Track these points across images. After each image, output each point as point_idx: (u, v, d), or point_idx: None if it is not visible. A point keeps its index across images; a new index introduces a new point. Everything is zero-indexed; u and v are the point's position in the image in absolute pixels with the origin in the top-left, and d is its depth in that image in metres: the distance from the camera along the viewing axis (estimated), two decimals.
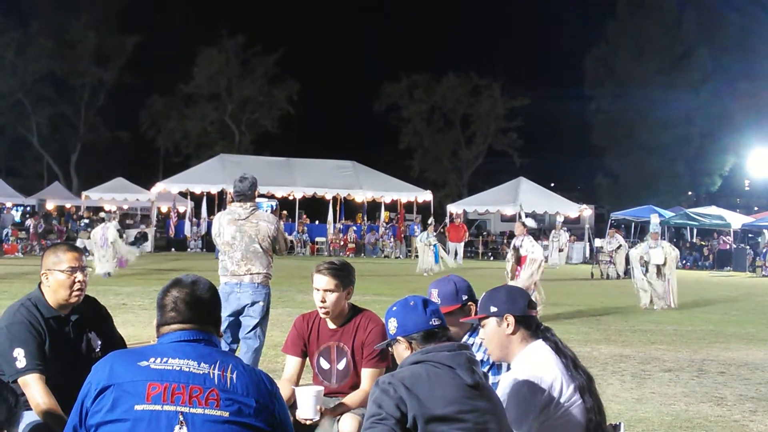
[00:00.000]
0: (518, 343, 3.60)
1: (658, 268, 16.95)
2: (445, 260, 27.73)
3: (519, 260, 14.76)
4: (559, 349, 3.60)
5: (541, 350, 3.57)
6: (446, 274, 4.67)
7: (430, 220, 30.87)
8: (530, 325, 3.64)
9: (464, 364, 3.13)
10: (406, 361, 3.24)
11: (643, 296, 17.19)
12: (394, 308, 3.43)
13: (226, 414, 2.65)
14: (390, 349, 3.49)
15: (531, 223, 15.67)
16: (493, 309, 3.64)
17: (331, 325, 4.78)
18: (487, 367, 4.03)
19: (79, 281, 4.18)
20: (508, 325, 3.60)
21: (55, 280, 4.16)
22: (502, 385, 3.49)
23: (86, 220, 35.52)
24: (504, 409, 3.21)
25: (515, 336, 3.60)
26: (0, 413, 2.41)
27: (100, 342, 4.30)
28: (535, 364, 3.49)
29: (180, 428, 2.61)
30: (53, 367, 4.01)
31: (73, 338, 4.19)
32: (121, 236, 22.46)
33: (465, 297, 4.32)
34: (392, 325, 3.39)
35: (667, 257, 17.06)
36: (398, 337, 3.36)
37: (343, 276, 4.72)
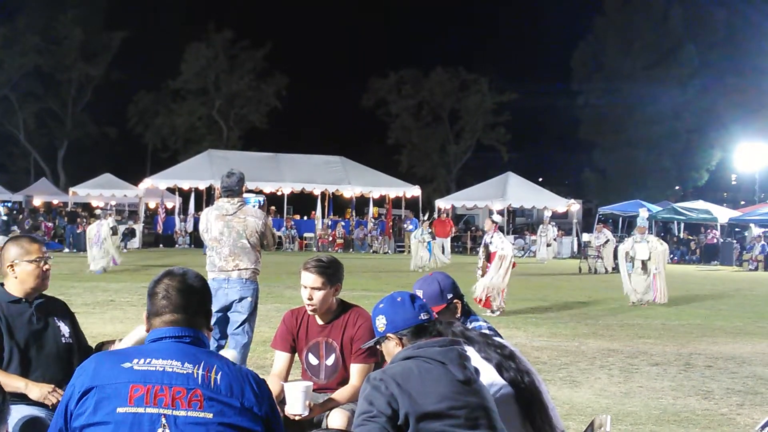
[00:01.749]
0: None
1: (643, 263, 16.84)
2: (437, 257, 27.73)
3: (489, 257, 14.90)
4: (468, 338, 3.57)
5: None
6: (430, 273, 4.64)
7: (427, 215, 30.92)
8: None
9: (455, 360, 3.12)
10: (397, 356, 3.21)
11: (631, 294, 17.11)
12: (381, 305, 3.41)
13: (210, 415, 2.62)
14: (378, 347, 3.46)
15: (497, 218, 15.80)
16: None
17: (320, 321, 4.76)
18: None
19: (46, 269, 4.31)
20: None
21: (23, 271, 4.25)
22: None
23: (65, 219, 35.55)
24: (494, 404, 3.19)
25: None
26: None
27: (68, 330, 4.33)
28: None
29: (162, 430, 2.58)
30: (11, 346, 4.09)
31: (35, 321, 4.23)
32: (115, 233, 22.58)
33: (450, 296, 4.26)
34: (380, 323, 3.37)
35: (653, 252, 16.85)
36: (388, 334, 3.33)
37: (331, 273, 4.69)
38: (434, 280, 4.30)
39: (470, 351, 3.51)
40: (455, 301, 4.25)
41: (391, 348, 3.34)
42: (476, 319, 4.36)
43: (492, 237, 15.07)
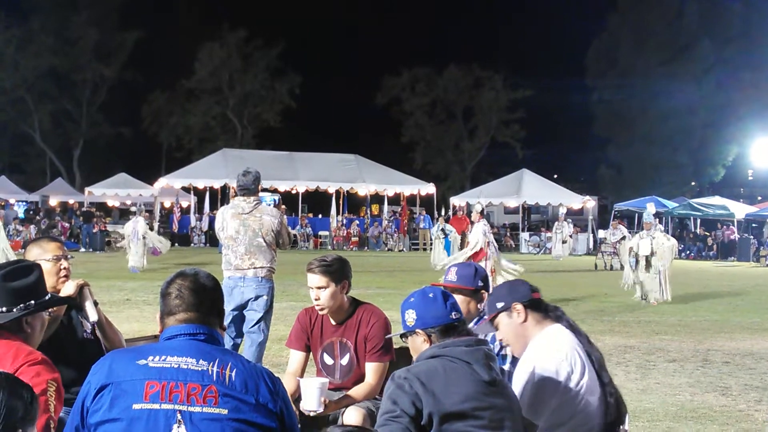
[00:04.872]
0: (533, 327, 3.56)
1: (647, 259, 16.49)
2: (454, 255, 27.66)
3: (462, 247, 15.06)
4: (573, 327, 3.59)
5: (559, 333, 3.54)
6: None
7: (444, 213, 30.87)
8: (539, 308, 3.61)
9: (481, 360, 3.08)
10: (423, 354, 3.18)
11: (637, 289, 16.90)
12: (412, 299, 3.35)
13: (225, 411, 2.64)
14: (404, 339, 3.42)
15: (478, 207, 15.83)
16: (500, 304, 3.61)
17: (333, 321, 4.75)
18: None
19: (64, 268, 4.34)
20: (518, 313, 3.56)
21: (43, 270, 4.25)
22: (521, 370, 3.44)
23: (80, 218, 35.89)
24: (519, 406, 3.18)
25: (528, 323, 3.56)
26: (16, 410, 2.38)
27: (90, 326, 4.35)
28: (553, 348, 3.45)
29: (178, 427, 2.60)
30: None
31: (56, 316, 4.23)
32: (151, 228, 23.33)
33: (480, 283, 4.39)
34: (410, 317, 3.30)
35: (657, 249, 16.43)
36: (417, 330, 3.28)
37: (334, 271, 4.66)
38: (472, 265, 4.50)
39: (575, 342, 3.49)
40: (482, 291, 4.36)
41: (417, 343, 3.29)
42: None
43: (474, 227, 15.20)
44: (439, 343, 3.18)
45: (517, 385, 3.39)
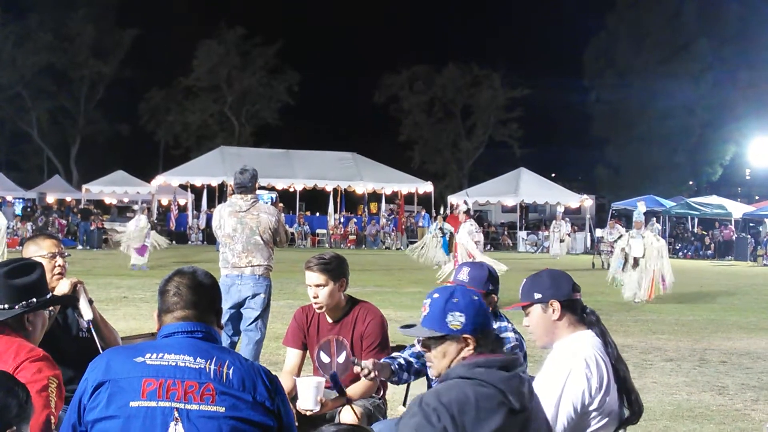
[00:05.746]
0: (565, 328, 3.46)
1: (635, 259, 16.46)
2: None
3: (451, 246, 15.11)
4: (604, 336, 3.49)
5: (590, 343, 3.42)
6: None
7: (442, 211, 30.89)
8: (576, 310, 3.51)
9: (515, 388, 2.74)
10: (452, 372, 2.80)
11: (626, 288, 16.88)
12: (455, 300, 2.88)
13: (222, 409, 2.64)
14: (428, 344, 2.95)
15: (463, 207, 15.87)
16: (537, 295, 3.48)
17: (330, 319, 4.76)
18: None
19: (59, 265, 4.34)
20: (553, 311, 3.45)
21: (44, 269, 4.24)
22: (550, 386, 3.29)
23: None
24: (547, 428, 2.99)
25: (561, 321, 3.46)
26: (10, 409, 2.38)
27: (86, 325, 4.33)
28: (585, 366, 3.30)
29: (175, 424, 2.60)
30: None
31: (52, 314, 4.22)
32: (153, 228, 23.66)
33: (491, 287, 4.35)
34: (456, 320, 2.84)
35: (647, 249, 16.51)
36: (466, 336, 2.86)
37: (332, 269, 4.67)
38: (484, 267, 4.43)
39: (603, 353, 3.39)
40: (493, 295, 4.33)
41: (452, 350, 2.86)
42: (502, 320, 4.38)
43: (460, 227, 15.26)
44: (470, 362, 2.80)
45: (543, 400, 3.16)
